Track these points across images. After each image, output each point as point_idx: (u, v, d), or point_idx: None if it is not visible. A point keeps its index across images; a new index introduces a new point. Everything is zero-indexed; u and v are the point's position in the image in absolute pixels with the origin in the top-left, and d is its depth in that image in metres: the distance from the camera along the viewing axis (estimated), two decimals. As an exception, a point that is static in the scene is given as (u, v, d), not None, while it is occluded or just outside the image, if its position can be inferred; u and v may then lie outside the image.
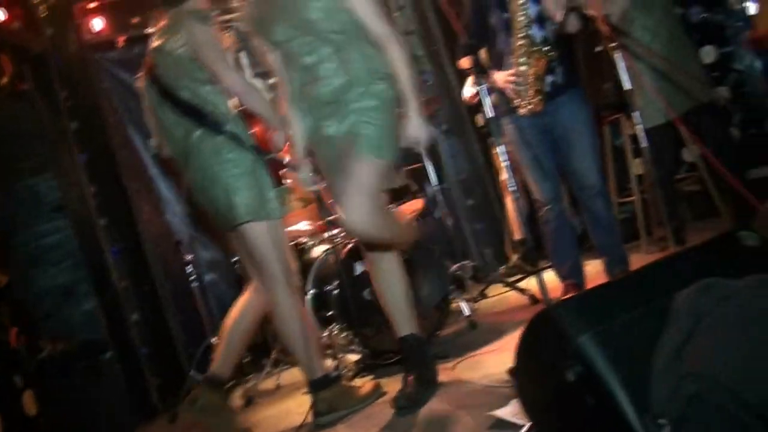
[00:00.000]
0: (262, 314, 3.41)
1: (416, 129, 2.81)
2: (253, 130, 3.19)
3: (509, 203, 5.26)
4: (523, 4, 3.45)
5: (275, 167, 3.19)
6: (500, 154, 4.63)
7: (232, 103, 3.20)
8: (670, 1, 3.97)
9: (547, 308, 1.74)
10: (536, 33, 3.50)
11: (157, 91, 3.23)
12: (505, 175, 4.98)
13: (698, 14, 4.85)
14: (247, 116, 3.21)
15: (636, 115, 3.43)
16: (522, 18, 3.46)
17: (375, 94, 2.82)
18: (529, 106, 3.55)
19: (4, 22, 4.30)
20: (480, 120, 5.28)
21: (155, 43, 3.22)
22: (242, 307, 3.40)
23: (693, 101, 3.88)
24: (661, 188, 4.00)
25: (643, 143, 3.45)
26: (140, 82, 3.34)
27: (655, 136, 3.79)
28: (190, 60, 3.10)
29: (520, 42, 3.49)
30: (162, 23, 3.25)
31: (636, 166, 4.66)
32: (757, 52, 4.51)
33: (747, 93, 4.73)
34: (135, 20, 5.22)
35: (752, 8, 4.50)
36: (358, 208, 2.70)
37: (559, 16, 3.46)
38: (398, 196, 4.28)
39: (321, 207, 3.62)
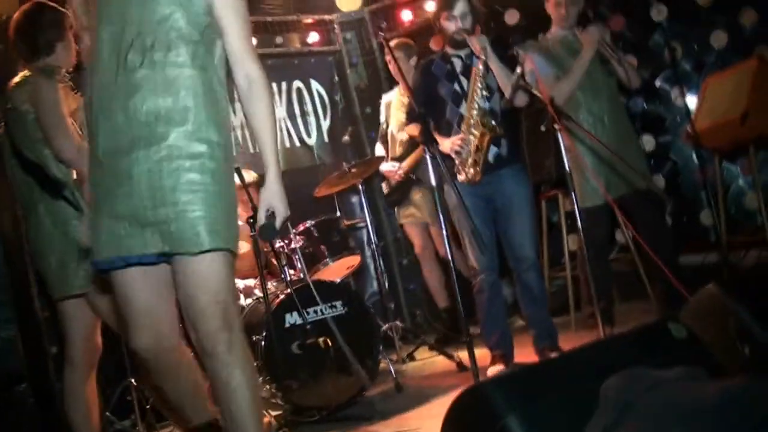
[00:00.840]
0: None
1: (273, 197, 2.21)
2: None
3: (428, 272, 5.30)
4: (482, 76, 3.57)
5: None
6: (406, 225, 4.63)
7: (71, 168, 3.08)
8: (616, 90, 4.08)
9: (475, 384, 1.73)
10: (485, 105, 3.62)
11: (8, 144, 3.11)
12: (418, 245, 5.18)
13: (640, 104, 5.07)
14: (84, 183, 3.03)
15: (573, 195, 3.51)
16: (479, 88, 3.58)
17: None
18: (468, 175, 3.64)
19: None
20: (386, 188, 5.36)
21: (7, 95, 3.08)
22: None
23: (630, 186, 3.95)
24: (593, 266, 4.07)
25: (579, 221, 3.52)
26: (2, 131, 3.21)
27: (590, 215, 3.85)
28: (32, 118, 2.96)
29: (473, 111, 3.60)
30: (20, 76, 3.09)
31: (570, 243, 4.76)
32: (694, 146, 4.69)
33: (682, 183, 4.91)
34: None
35: (691, 103, 4.71)
36: None
37: (508, 91, 3.59)
38: (335, 251, 4.24)
39: (258, 253, 3.57)
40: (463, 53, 3.85)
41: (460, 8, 3.76)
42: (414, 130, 3.94)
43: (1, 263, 4.15)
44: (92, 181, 2.14)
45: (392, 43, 4.99)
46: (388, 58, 5.09)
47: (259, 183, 4.83)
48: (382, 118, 5.26)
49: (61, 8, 3.14)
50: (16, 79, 3.08)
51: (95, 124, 2.06)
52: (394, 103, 5.16)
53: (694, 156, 4.84)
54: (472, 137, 3.62)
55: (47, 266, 3.05)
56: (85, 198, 2.95)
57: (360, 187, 4.74)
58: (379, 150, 5.28)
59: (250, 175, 4.38)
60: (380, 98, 5.40)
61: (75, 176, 3.07)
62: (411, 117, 4.00)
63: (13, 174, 3.13)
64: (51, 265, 3.02)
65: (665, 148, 5.06)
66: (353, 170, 4.47)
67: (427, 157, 3.21)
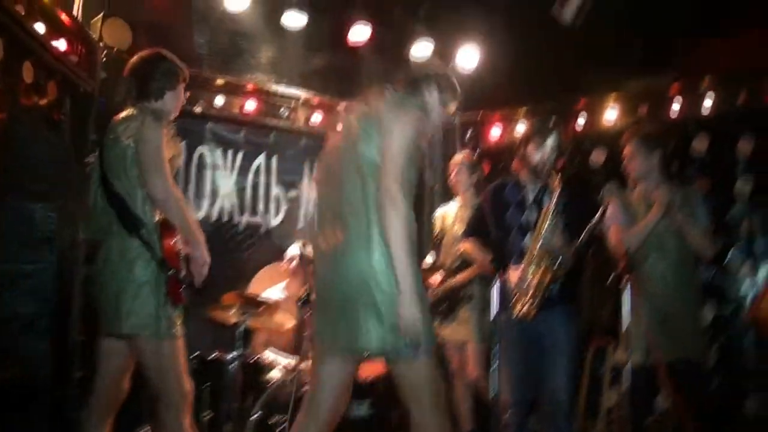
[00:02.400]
0: None
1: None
2: (164, 242, 3.09)
3: (459, 392, 5.10)
4: (553, 213, 3.55)
5: (177, 285, 3.08)
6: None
7: (155, 209, 3.14)
8: (690, 252, 3.92)
9: None
10: (552, 243, 3.57)
11: (98, 172, 3.20)
12: (455, 363, 4.98)
13: (707, 273, 4.91)
14: (165, 227, 3.13)
15: (627, 352, 3.41)
16: (549, 224, 3.55)
17: None
18: (523, 310, 3.57)
19: (64, 52, 4.36)
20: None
21: (111, 125, 3.22)
22: None
23: (683, 352, 3.81)
24: (631, 428, 3.93)
25: (625, 379, 3.42)
26: (91, 158, 3.32)
27: (636, 374, 3.72)
28: (132, 153, 3.07)
29: (538, 245, 3.56)
30: (127, 111, 3.25)
31: (609, 398, 4.59)
32: (754, 328, 4.55)
33: (733, 365, 4.75)
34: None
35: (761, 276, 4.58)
36: None
37: (583, 236, 3.56)
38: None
39: (300, 335, 3.55)
40: (538, 185, 3.82)
41: (551, 141, 3.74)
42: (471, 246, 3.95)
43: (52, 278, 4.27)
44: None
45: (460, 156, 5.10)
46: (453, 169, 5.11)
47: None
48: (436, 230, 5.22)
49: (177, 61, 3.36)
50: (123, 113, 3.24)
51: None
52: (451, 215, 5.12)
53: (752, 337, 4.70)
54: (531, 271, 3.57)
55: (105, 299, 3.07)
56: (162, 241, 3.06)
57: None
58: (428, 258, 5.16)
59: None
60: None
61: (157, 218, 3.14)
62: (469, 233, 4.02)
63: (95, 202, 3.20)
64: (109, 299, 3.04)
65: (724, 323, 4.90)
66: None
67: (498, 281, 3.19)
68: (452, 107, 2.89)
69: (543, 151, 3.73)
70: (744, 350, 4.81)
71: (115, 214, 3.08)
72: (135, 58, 3.36)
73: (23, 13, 3.85)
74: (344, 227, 2.64)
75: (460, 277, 4.87)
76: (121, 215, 3.06)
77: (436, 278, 4.96)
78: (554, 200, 3.62)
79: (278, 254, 5.22)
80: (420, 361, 2.60)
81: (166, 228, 3.12)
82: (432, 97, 2.80)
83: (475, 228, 4.05)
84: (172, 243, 3.12)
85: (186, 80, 3.39)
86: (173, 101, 3.32)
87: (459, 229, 4.77)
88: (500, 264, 3.79)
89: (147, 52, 3.36)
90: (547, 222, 3.61)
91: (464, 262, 4.80)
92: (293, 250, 4.89)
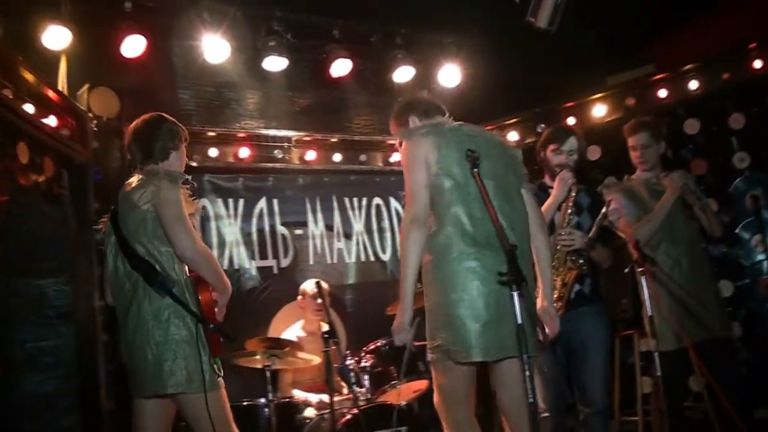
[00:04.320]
0: None
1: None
2: (200, 297, 3.10)
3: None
4: (572, 212, 3.59)
5: (217, 337, 3.09)
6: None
7: (184, 267, 3.15)
8: (697, 233, 4.02)
9: None
10: (573, 241, 3.59)
11: (116, 239, 3.20)
12: None
13: (720, 249, 4.98)
14: (199, 282, 3.14)
15: (654, 339, 3.42)
16: (567, 222, 3.59)
17: None
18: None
19: (55, 127, 4.40)
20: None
21: (124, 193, 3.21)
22: None
23: (707, 333, 3.84)
24: (668, 414, 3.84)
25: (656, 366, 3.40)
26: (102, 226, 3.31)
27: (666, 360, 3.64)
28: (152, 217, 3.09)
29: (560, 246, 3.57)
30: (136, 176, 3.25)
31: (643, 385, 4.60)
32: (768, 297, 4.58)
33: (759, 333, 4.75)
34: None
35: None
36: None
37: (593, 231, 3.59)
38: (404, 372, 4.11)
39: (328, 369, 3.54)
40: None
41: (569, 144, 3.79)
42: None
43: (71, 351, 4.25)
44: None
45: None
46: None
47: (332, 293, 4.94)
48: None
49: (177, 123, 3.41)
50: (134, 181, 3.21)
51: None
52: None
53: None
54: (554, 271, 3.52)
55: (142, 362, 3.04)
56: (198, 296, 3.08)
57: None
58: None
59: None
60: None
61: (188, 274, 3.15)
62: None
63: (115, 269, 3.18)
64: (147, 362, 3.02)
65: (743, 295, 4.95)
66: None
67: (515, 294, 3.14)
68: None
69: (563, 154, 3.77)
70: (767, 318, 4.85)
71: (142, 277, 3.06)
72: (137, 122, 3.39)
73: (11, 97, 3.91)
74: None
75: None
76: (149, 278, 3.05)
77: None
78: (573, 199, 3.65)
79: (293, 293, 5.22)
80: None
81: (199, 283, 3.14)
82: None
83: None
84: (208, 297, 3.14)
85: (187, 139, 3.44)
86: (178, 160, 3.35)
87: None
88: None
89: (147, 116, 3.39)
90: (566, 221, 3.64)
91: None
92: (307, 286, 4.90)
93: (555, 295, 3.53)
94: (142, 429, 3.17)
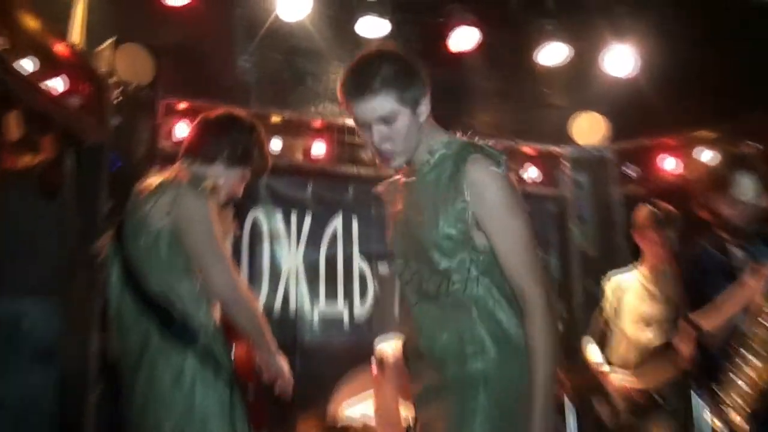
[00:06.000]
0: None
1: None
2: (234, 351, 3.03)
3: None
4: None
5: (258, 404, 3.05)
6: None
7: (215, 309, 2.99)
8: None
9: None
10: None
11: (120, 268, 3.00)
12: None
13: None
14: (230, 330, 3.01)
15: None
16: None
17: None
18: (735, 421, 3.56)
19: (62, 93, 4.29)
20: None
21: (135, 200, 3.04)
22: None
23: None
24: None
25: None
26: (102, 247, 3.12)
27: None
28: (171, 240, 2.90)
29: (758, 329, 3.60)
30: (159, 175, 3.05)
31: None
32: None
33: None
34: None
35: None
36: None
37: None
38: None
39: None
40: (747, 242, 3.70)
41: (748, 189, 3.70)
42: (683, 343, 3.95)
43: (50, 404, 4.19)
44: None
45: (647, 210, 4.89)
46: (640, 225, 4.91)
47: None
48: (607, 304, 4.98)
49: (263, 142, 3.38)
50: (153, 182, 3.03)
51: None
52: (630, 288, 4.95)
53: None
54: (748, 365, 3.54)
55: None
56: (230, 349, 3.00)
57: (568, 403, 4.60)
58: (593, 350, 4.96)
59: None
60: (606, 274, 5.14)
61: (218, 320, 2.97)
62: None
63: (119, 311, 3.01)
64: None
65: None
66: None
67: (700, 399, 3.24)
68: None
69: (742, 206, 3.72)
70: None
71: (157, 321, 2.92)
72: (209, 115, 3.26)
73: (6, 47, 3.84)
74: None
75: (655, 377, 4.75)
76: (166, 322, 2.91)
77: (618, 379, 4.83)
78: None
79: (367, 354, 4.91)
80: None
81: (233, 330, 3.01)
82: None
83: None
84: (245, 349, 3.06)
85: (266, 170, 3.40)
86: (233, 178, 3.23)
87: (647, 308, 4.79)
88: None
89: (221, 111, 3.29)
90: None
91: (654, 355, 4.74)
92: (385, 348, 4.76)
93: (741, 399, 3.58)
94: None
